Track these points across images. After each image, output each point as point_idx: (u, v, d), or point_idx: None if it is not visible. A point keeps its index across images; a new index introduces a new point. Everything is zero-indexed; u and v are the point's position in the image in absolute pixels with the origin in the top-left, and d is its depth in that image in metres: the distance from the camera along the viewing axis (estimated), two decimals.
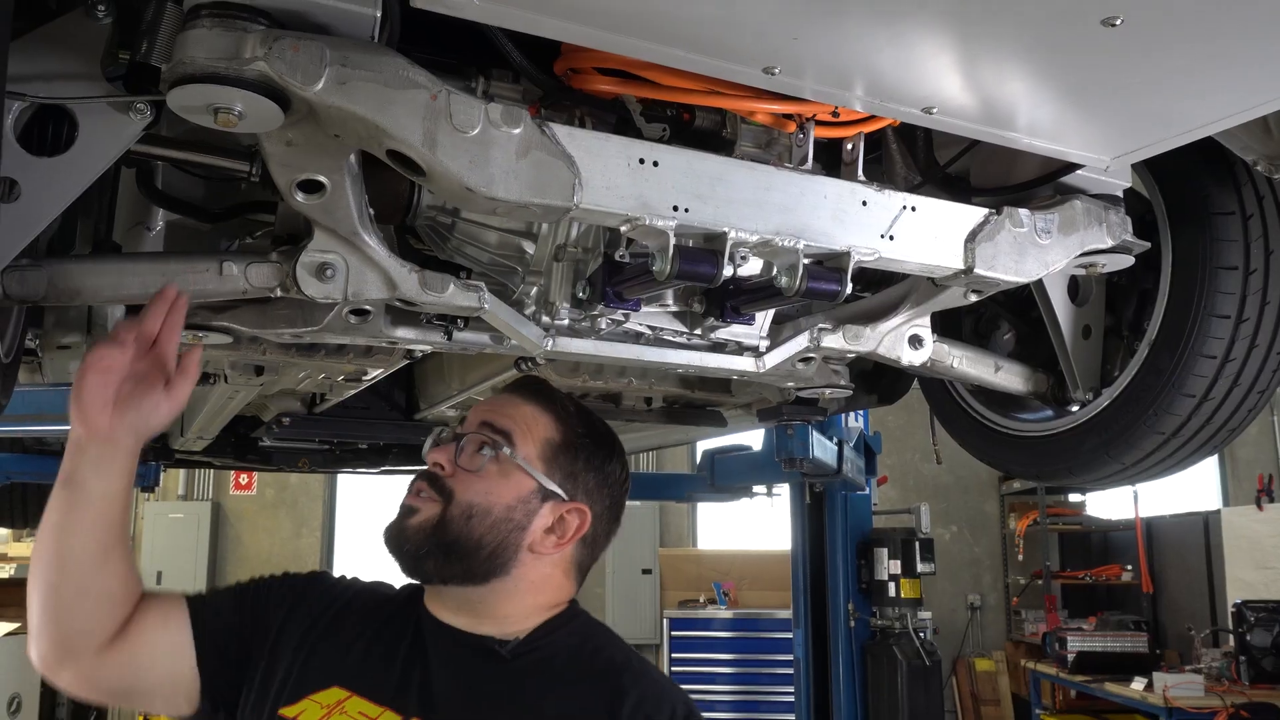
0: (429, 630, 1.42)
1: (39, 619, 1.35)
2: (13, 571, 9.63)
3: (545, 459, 1.42)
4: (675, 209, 1.37)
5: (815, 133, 1.57)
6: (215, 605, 1.47)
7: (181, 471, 9.35)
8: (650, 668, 1.47)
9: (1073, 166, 1.65)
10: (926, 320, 1.96)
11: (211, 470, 8.67)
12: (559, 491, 1.41)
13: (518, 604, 1.42)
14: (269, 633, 1.43)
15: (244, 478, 9.77)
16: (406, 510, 1.42)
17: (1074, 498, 9.92)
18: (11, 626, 8.29)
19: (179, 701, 1.43)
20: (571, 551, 1.45)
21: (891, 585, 5.67)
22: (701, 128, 1.57)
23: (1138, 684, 6.62)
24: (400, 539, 1.40)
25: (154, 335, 1.33)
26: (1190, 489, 9.70)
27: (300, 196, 1.36)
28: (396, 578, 1.51)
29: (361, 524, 9.86)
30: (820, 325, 1.89)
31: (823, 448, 4.39)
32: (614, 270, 1.66)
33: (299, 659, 1.40)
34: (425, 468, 1.44)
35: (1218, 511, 8.51)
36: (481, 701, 1.35)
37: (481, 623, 1.42)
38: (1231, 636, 6.75)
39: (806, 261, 1.47)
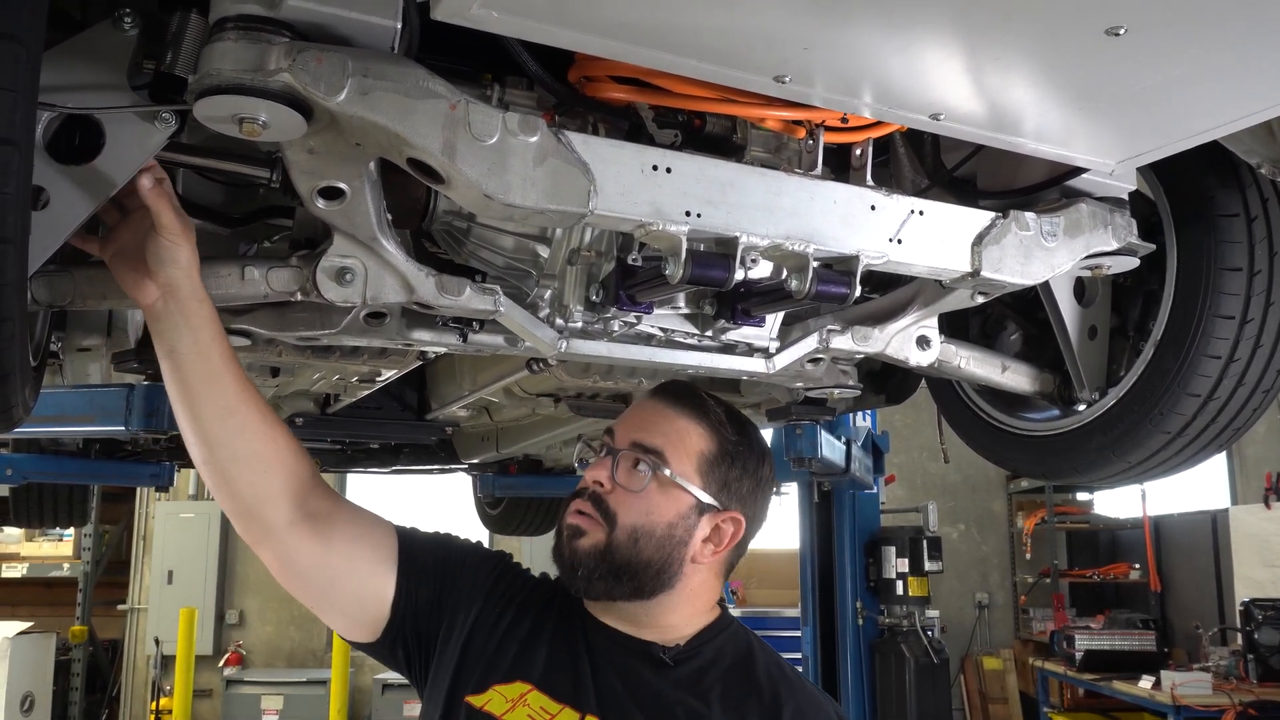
0: (593, 632, 1.45)
1: (219, 498, 1.41)
2: (25, 571, 9.67)
3: (701, 472, 1.42)
4: (687, 214, 1.39)
5: (824, 138, 1.58)
6: (422, 555, 1.49)
7: (193, 471, 9.38)
8: (802, 677, 1.50)
9: (1078, 170, 1.67)
10: (934, 321, 1.98)
11: None
12: (715, 503, 1.43)
13: (680, 612, 1.46)
14: (461, 607, 1.46)
15: None
16: (573, 531, 1.42)
17: (1082, 496, 9.93)
18: (23, 625, 8.32)
19: (361, 628, 1.47)
20: (724, 554, 1.47)
21: (899, 583, 5.68)
22: (713, 133, 1.59)
23: (1145, 682, 6.63)
24: (573, 562, 1.42)
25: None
26: (1198, 487, 9.67)
27: (321, 203, 1.38)
28: None
29: None
30: (829, 327, 1.90)
31: (831, 447, 4.39)
32: (627, 274, 1.67)
33: (488, 648, 1.43)
34: (583, 485, 1.45)
35: (1226, 510, 8.51)
36: (648, 704, 1.38)
37: (643, 630, 1.45)
38: (1239, 635, 6.76)
39: (816, 265, 1.48)
